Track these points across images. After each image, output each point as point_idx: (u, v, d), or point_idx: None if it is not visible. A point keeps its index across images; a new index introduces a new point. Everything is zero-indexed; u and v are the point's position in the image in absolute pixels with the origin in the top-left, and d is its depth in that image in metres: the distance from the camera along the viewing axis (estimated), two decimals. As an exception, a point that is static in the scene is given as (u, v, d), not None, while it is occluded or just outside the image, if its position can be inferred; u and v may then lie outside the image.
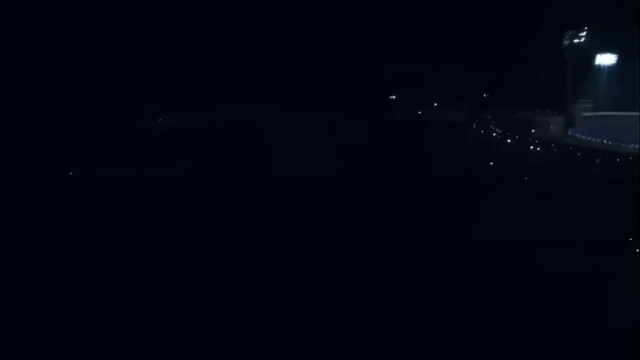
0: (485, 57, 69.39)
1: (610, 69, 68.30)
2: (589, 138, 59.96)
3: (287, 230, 21.43)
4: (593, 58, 66.70)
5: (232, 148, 42.50)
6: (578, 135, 61.31)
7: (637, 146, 58.84)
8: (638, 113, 69.51)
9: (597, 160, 47.61)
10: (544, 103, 68.88)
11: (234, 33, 61.79)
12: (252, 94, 56.76)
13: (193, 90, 54.24)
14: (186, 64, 57.14)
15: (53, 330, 13.51)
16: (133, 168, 33.06)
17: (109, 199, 27.00)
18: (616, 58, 68.19)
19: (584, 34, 63.12)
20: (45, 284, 16.06)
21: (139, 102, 50.14)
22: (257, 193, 27.80)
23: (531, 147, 52.45)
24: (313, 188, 27.95)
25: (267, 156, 38.77)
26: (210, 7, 60.00)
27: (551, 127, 63.93)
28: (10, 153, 33.44)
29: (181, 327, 13.54)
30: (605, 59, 67.86)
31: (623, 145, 60.09)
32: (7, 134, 36.34)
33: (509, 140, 55.64)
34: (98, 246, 19.58)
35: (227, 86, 55.37)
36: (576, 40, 63.60)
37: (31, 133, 38.53)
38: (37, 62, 48.71)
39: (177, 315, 14.29)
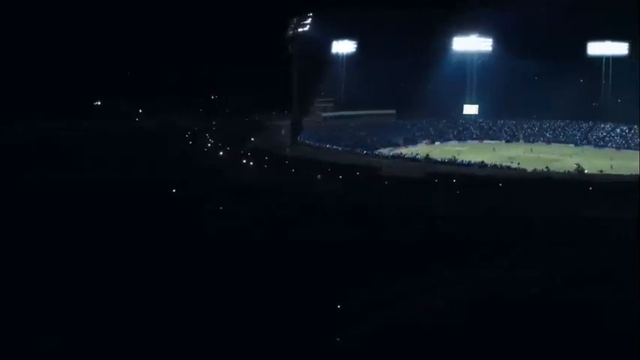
0: (199, 56, 59.17)
1: (349, 62, 60.69)
2: (322, 145, 51.25)
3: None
4: (324, 51, 58.66)
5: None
6: (309, 142, 51.76)
7: (376, 152, 51.61)
8: (382, 112, 64.23)
9: (319, 177, 37.58)
10: (279, 104, 59.36)
11: None
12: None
13: None
14: None
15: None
16: None
17: None
18: (354, 49, 61.04)
19: (310, 22, 53.41)
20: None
21: None
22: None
23: (244, 160, 41.67)
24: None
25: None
26: None
27: (282, 132, 54.03)
28: None
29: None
30: (341, 50, 60.76)
31: (359, 150, 52.37)
32: None
33: (221, 152, 44.53)
34: None
35: None
36: (301, 30, 53.57)
37: None
38: None
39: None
